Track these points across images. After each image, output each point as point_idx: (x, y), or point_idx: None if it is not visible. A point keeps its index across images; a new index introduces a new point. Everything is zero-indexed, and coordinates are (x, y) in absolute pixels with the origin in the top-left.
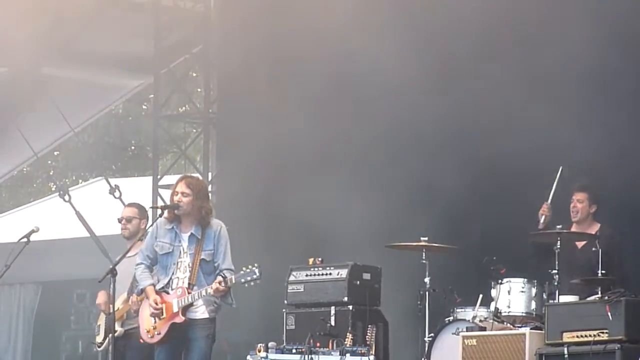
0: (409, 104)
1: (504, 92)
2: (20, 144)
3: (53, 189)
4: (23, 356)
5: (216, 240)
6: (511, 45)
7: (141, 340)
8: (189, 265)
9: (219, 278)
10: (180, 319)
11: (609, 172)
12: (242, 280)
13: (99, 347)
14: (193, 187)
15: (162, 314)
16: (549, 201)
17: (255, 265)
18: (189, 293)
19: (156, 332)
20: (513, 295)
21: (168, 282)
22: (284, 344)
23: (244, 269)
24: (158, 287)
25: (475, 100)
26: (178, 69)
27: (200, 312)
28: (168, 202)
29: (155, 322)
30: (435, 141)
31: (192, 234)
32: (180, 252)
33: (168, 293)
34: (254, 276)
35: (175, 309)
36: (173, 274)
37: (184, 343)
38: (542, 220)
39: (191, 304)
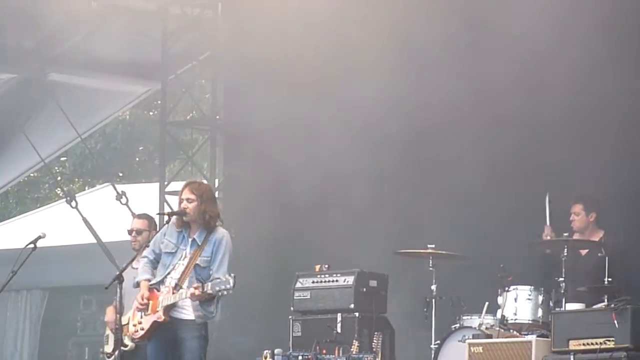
0: (421, 108)
1: (512, 101)
2: (27, 150)
3: (60, 195)
4: None
5: (215, 248)
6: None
7: (128, 334)
8: (184, 268)
9: (197, 284)
10: (160, 317)
11: (619, 175)
12: (217, 288)
13: (109, 357)
14: (197, 191)
15: (147, 310)
16: (548, 223)
17: (232, 275)
18: (173, 294)
19: (140, 327)
20: (519, 302)
21: (162, 280)
22: (290, 351)
23: (220, 277)
24: (152, 282)
25: (485, 111)
26: (185, 75)
27: (188, 313)
28: (175, 209)
29: (141, 317)
30: (443, 149)
31: (194, 239)
32: (182, 255)
33: (159, 291)
34: (227, 286)
35: (159, 307)
36: (169, 274)
37: (174, 343)
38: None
39: (174, 305)
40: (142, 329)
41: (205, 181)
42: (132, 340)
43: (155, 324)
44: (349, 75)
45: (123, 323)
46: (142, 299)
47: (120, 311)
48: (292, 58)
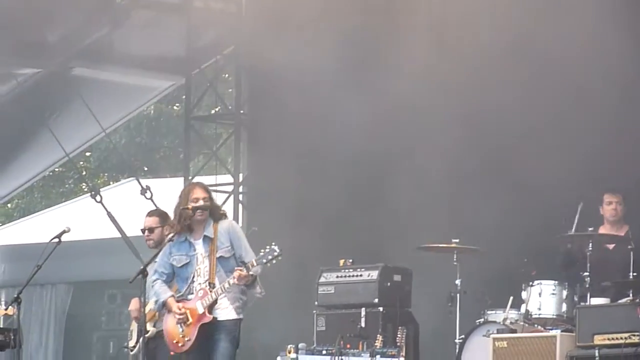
0: (433, 107)
1: (542, 96)
2: (52, 145)
3: (85, 189)
4: (54, 356)
5: (232, 236)
6: None
7: (172, 353)
8: (208, 267)
9: (239, 267)
10: (208, 318)
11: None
12: (264, 260)
13: (132, 351)
14: (209, 191)
15: (188, 319)
16: (573, 231)
17: (273, 243)
18: (211, 292)
19: (186, 339)
20: (544, 297)
21: (187, 290)
22: (314, 345)
23: (262, 250)
24: (178, 296)
25: (512, 107)
26: (209, 70)
27: (226, 312)
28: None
29: (182, 329)
30: (465, 143)
31: (205, 236)
32: (197, 259)
33: (188, 299)
34: (275, 254)
35: (201, 310)
36: (192, 282)
37: (210, 345)
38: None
39: (215, 301)
40: (189, 340)
41: (230, 176)
42: (181, 352)
43: (202, 327)
44: (371, 67)
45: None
46: (179, 310)
47: (144, 305)
48: (317, 52)
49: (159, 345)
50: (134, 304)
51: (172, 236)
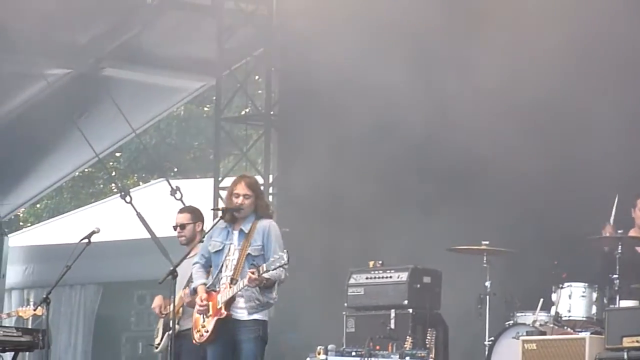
0: (468, 105)
1: (569, 96)
2: (81, 145)
3: (114, 190)
4: (83, 357)
5: (266, 237)
6: None
7: (194, 342)
8: (236, 261)
9: (252, 269)
10: (222, 314)
11: None
12: (272, 267)
13: (157, 348)
14: (253, 187)
15: (209, 311)
16: (612, 222)
17: (285, 250)
18: (231, 287)
19: (204, 330)
20: (574, 299)
21: (217, 280)
22: (344, 347)
23: (273, 256)
24: (208, 285)
25: (543, 107)
26: (240, 71)
27: (240, 312)
28: (227, 202)
29: (203, 320)
30: (495, 146)
31: (241, 229)
32: (229, 249)
33: (216, 291)
34: (282, 261)
35: (219, 305)
36: (221, 272)
37: (234, 345)
38: None
39: (233, 298)
40: (207, 331)
41: (259, 177)
42: (199, 344)
43: (218, 322)
44: (404, 66)
45: (170, 310)
46: (202, 301)
47: (174, 304)
48: (347, 52)
49: (183, 344)
50: (157, 301)
51: (217, 221)
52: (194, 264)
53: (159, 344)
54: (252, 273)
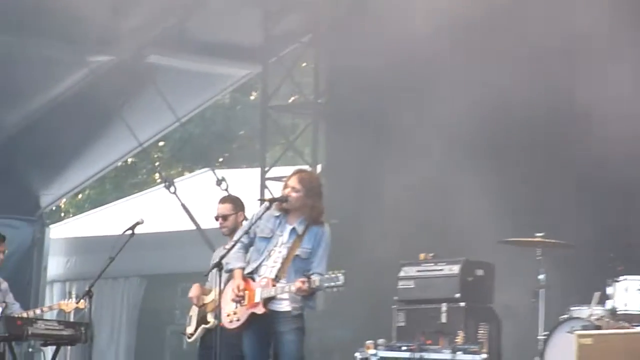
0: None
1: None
2: (124, 134)
3: (158, 180)
4: (126, 351)
5: (316, 242)
6: None
7: (221, 324)
8: (282, 257)
9: (303, 278)
10: (260, 310)
11: None
12: (326, 284)
13: (189, 338)
14: (305, 183)
15: (244, 301)
16: None
17: (342, 271)
18: (273, 285)
19: (235, 318)
20: (630, 293)
21: (257, 268)
22: (394, 341)
23: (329, 273)
24: (246, 271)
25: (593, 100)
26: (287, 58)
27: (285, 305)
28: (279, 194)
29: (236, 307)
30: (547, 138)
31: (294, 228)
32: (278, 241)
33: (254, 280)
34: (337, 282)
35: (257, 299)
36: (264, 260)
37: (272, 336)
38: None
39: (274, 297)
40: (238, 320)
41: (308, 167)
42: (229, 329)
43: (252, 316)
44: (454, 58)
45: (207, 301)
46: (239, 290)
47: (219, 296)
48: (397, 41)
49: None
50: (194, 291)
51: (270, 204)
52: (236, 242)
53: (192, 334)
54: (303, 283)
